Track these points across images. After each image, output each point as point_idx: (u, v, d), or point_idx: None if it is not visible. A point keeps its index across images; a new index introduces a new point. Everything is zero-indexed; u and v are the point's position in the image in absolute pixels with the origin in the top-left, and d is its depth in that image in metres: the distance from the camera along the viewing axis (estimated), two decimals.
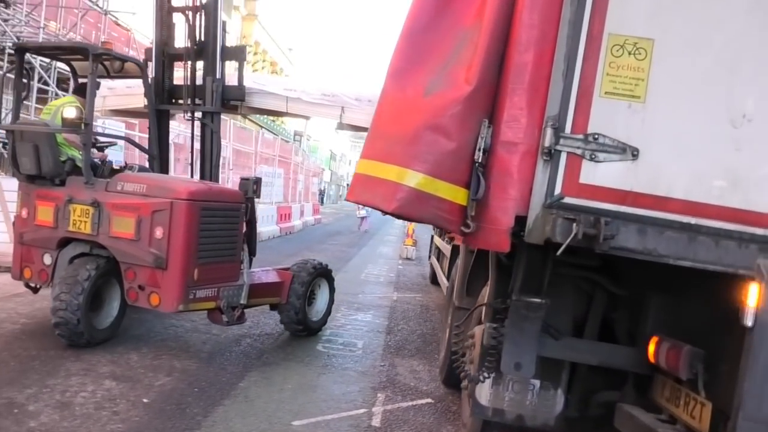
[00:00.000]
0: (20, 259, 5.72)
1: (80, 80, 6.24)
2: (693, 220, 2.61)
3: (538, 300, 3.01)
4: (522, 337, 3.06)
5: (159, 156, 6.18)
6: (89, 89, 5.37)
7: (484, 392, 3.51)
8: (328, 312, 6.77)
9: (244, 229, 5.83)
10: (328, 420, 4.40)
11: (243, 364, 5.45)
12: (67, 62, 6.58)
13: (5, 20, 13.33)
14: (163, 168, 6.42)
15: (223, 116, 6.74)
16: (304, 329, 6.35)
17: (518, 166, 2.61)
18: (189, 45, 6.07)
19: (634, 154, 2.58)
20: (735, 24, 2.59)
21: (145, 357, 5.30)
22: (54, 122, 5.72)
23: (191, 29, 6.01)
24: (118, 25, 17.48)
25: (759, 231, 2.60)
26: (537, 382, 3.49)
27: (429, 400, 5.02)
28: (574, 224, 2.48)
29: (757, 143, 2.58)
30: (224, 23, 6.08)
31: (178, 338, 5.97)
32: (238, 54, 6.11)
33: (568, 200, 2.57)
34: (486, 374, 3.24)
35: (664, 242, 2.61)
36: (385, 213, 2.82)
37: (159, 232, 5.04)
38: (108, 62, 5.59)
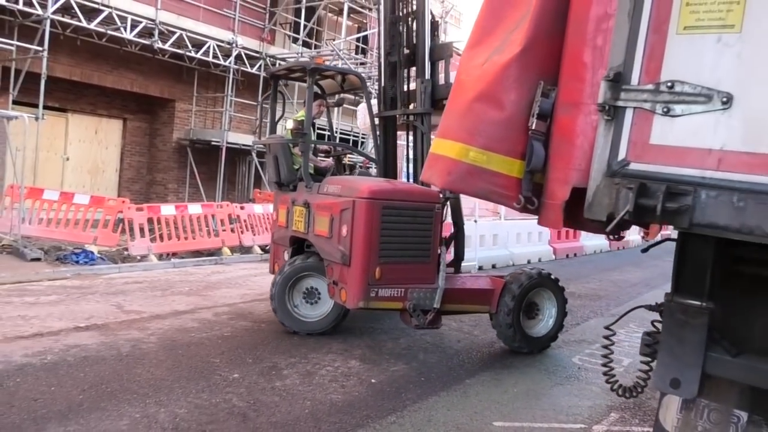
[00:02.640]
0: (273, 256, 6.90)
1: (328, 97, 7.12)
2: None
3: (697, 303, 2.41)
4: (681, 348, 2.48)
5: (383, 161, 6.61)
6: (307, 100, 6.10)
7: (670, 416, 2.91)
8: (557, 328, 6.04)
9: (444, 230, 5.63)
10: (534, 428, 4.18)
11: (483, 364, 5.53)
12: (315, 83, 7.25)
13: (362, 63, 16.11)
14: (388, 172, 6.74)
15: None
16: (522, 345, 5.81)
17: (580, 130, 2.18)
18: (403, 51, 6.35)
19: (725, 101, 1.88)
20: None
21: (398, 346, 5.86)
22: (286, 135, 6.69)
23: (407, 35, 6.29)
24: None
25: None
26: (744, 415, 2.74)
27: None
28: (630, 194, 1.94)
29: None
30: (435, 24, 6.17)
31: (436, 334, 6.34)
32: (443, 51, 6.07)
33: (634, 166, 2.01)
34: (638, 389, 2.70)
35: None
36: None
37: (344, 230, 5.24)
38: (333, 77, 6.38)
